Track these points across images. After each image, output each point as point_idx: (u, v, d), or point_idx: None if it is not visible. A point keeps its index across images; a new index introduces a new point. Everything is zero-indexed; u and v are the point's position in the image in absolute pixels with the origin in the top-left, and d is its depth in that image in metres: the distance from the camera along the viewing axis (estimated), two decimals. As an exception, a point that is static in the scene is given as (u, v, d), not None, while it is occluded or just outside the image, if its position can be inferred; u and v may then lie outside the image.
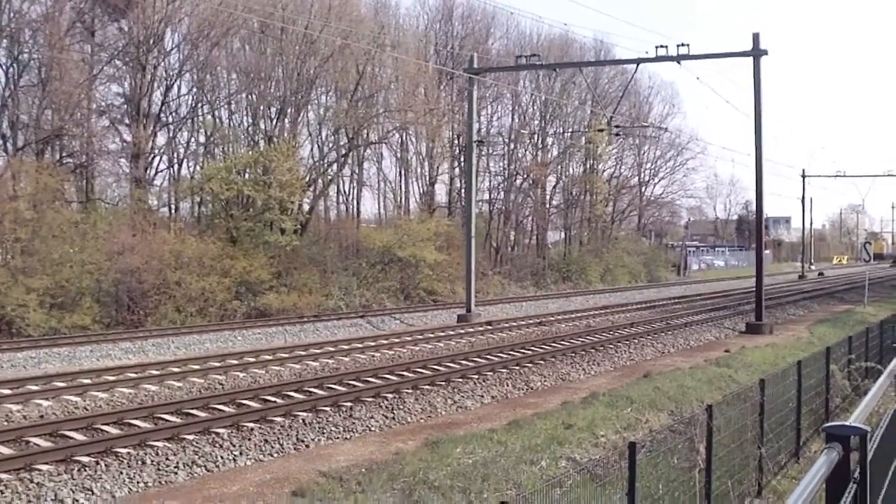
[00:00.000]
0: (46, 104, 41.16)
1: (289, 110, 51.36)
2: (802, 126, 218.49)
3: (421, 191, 63.09)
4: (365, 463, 14.85)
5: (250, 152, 48.86)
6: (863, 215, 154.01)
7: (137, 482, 14.39)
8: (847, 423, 6.26)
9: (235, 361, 26.90)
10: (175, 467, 15.17)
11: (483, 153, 63.09)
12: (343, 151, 54.48)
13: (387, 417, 19.64)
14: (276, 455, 16.45)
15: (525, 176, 70.68)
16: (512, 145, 69.74)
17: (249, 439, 16.96)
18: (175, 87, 48.04)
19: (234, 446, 16.47)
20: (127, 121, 45.55)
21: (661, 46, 38.23)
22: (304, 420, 18.59)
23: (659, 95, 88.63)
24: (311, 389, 22.09)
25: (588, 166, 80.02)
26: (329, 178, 54.50)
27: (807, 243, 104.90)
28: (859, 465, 6.04)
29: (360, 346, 31.13)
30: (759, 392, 13.80)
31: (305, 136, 54.26)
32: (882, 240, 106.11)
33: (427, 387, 22.91)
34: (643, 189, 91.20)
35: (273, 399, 20.76)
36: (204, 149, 50.34)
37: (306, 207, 51.89)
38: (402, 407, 20.53)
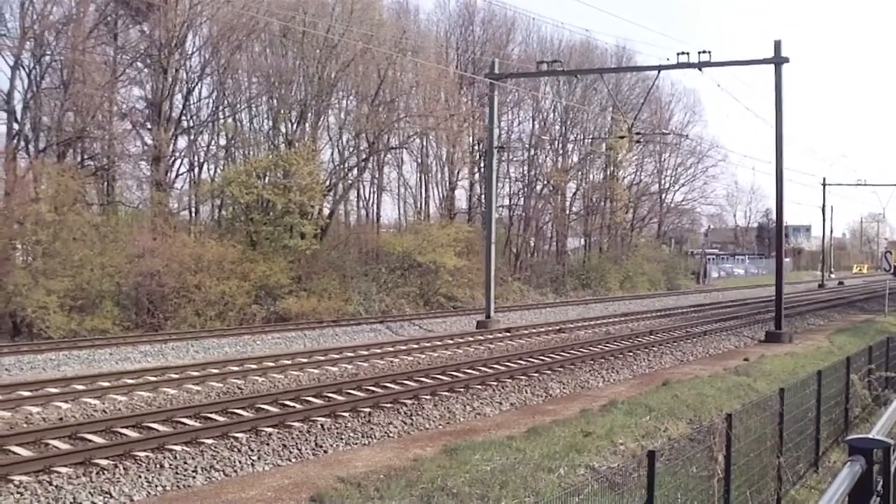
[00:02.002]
0: (68, 106, 41.31)
1: (309, 114, 51.45)
2: (823, 134, 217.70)
3: (441, 196, 63.10)
4: (383, 469, 14.82)
5: (270, 156, 48.97)
6: (883, 224, 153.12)
7: (156, 486, 14.40)
8: (870, 436, 6.22)
9: (254, 366, 26.96)
10: (193, 471, 15.18)
11: (503, 159, 63.11)
12: (363, 156, 54.52)
13: (405, 423, 19.60)
14: (294, 460, 16.43)
15: (545, 182, 70.66)
16: (532, 151, 69.71)
17: (268, 444, 16.96)
18: (196, 90, 48.37)
19: (252, 451, 16.48)
20: (148, 124, 45.71)
21: (683, 53, 38.12)
22: (322, 425, 18.59)
23: (680, 103, 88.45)
24: (330, 395, 22.10)
25: (608, 173, 79.91)
26: (349, 182, 54.55)
27: (827, 252, 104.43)
28: (882, 477, 5.99)
29: (379, 351, 31.16)
30: (778, 401, 13.72)
31: (326, 141, 54.42)
32: None
33: (446, 393, 22.89)
34: (663, 196, 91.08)
35: (292, 404, 20.78)
36: (224, 152, 50.54)
37: (326, 212, 51.95)
38: (420, 413, 20.51)
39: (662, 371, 28.78)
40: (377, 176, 57.79)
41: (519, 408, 22.32)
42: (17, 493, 13.53)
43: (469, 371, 26.53)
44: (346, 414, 19.74)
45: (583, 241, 78.95)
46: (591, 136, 74.32)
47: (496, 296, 44.82)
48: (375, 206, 58.58)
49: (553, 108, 71.70)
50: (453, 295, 53.00)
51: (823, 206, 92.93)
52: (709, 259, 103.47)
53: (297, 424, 18.54)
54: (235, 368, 26.33)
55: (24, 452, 15.78)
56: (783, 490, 13.45)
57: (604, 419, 18.78)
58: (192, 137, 48.34)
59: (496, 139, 46.21)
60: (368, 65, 52.95)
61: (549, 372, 27.00)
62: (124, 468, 14.96)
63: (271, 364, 27.37)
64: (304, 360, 28.33)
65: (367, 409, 20.30)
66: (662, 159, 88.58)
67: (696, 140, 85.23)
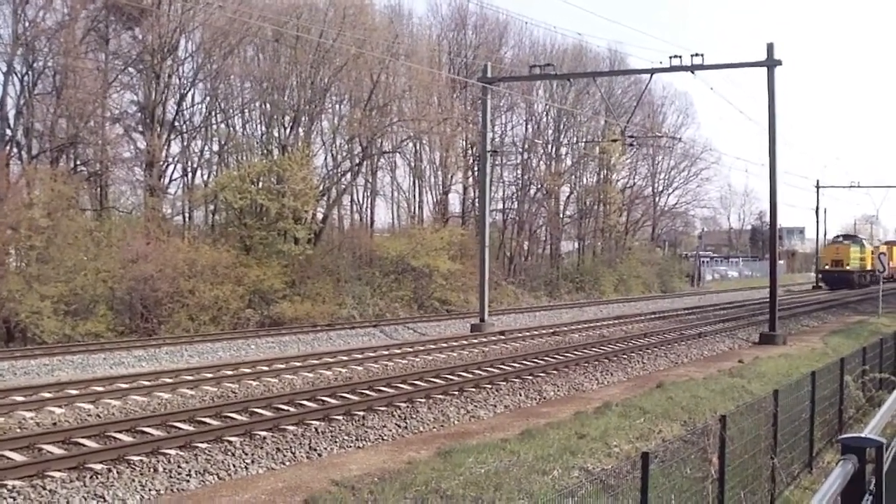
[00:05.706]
0: (61, 112, 41.27)
1: (303, 119, 51.44)
2: (817, 136, 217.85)
3: (434, 200, 62.96)
4: (377, 472, 14.82)
5: (264, 161, 48.94)
6: (877, 226, 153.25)
7: (149, 490, 14.38)
8: (863, 435, 6.23)
9: (248, 370, 26.93)
10: (187, 475, 15.16)
11: (497, 163, 63.15)
12: (357, 160, 54.48)
13: (399, 426, 19.59)
14: (288, 463, 16.42)
15: (539, 186, 70.67)
16: (526, 155, 69.73)
17: (262, 447, 16.94)
18: (189, 95, 48.23)
19: (246, 454, 16.46)
20: (141, 129, 45.67)
21: (676, 56, 38.17)
22: (316, 429, 18.57)
23: (673, 105, 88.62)
24: (324, 398, 22.08)
25: (602, 176, 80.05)
26: (343, 187, 54.52)
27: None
28: (875, 476, 6.00)
29: (373, 355, 31.11)
30: (772, 403, 13.73)
31: (319, 145, 54.33)
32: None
33: (440, 396, 22.86)
34: (657, 199, 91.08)
35: (286, 408, 20.76)
36: (218, 157, 50.41)
37: (320, 216, 51.87)
38: (414, 416, 20.50)
39: (657, 373, 28.79)
40: (371, 180, 57.71)
41: (513, 410, 22.33)
42: (11, 497, 13.52)
43: (463, 374, 26.51)
44: (340, 417, 19.73)
45: (577, 244, 79.02)
46: (584, 140, 74.32)
47: (490, 299, 44.80)
48: (369, 210, 58.61)
49: (546, 111, 71.78)
50: (447, 299, 52.96)
51: (817, 208, 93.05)
52: (703, 262, 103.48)
53: (291, 428, 18.52)
54: (229, 373, 26.28)
55: (17, 457, 15.76)
56: (777, 491, 13.46)
57: (598, 421, 18.79)
58: (185, 142, 48.28)
59: (489, 143, 46.25)
60: (361, 69, 52.85)
61: (543, 375, 26.98)
62: (118, 472, 14.95)
63: (265, 368, 27.35)
64: (298, 364, 28.30)
65: (362, 413, 20.29)
66: (656, 162, 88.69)
67: (690, 143, 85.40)
